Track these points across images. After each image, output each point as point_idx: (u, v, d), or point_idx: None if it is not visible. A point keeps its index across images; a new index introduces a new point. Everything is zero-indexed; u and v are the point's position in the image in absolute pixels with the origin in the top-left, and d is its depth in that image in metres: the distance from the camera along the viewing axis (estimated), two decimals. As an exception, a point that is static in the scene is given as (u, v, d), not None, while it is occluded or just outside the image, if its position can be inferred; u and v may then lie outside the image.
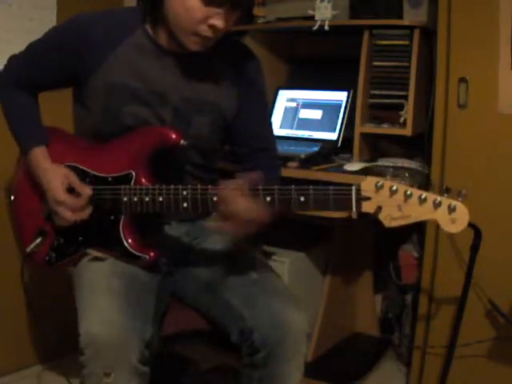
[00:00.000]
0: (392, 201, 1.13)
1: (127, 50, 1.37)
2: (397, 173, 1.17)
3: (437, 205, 1.11)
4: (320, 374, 2.07)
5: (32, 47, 1.46)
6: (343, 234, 2.22)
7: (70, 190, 1.38)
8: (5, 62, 1.51)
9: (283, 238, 2.27)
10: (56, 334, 2.10)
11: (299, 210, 1.22)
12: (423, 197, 1.12)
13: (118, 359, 1.21)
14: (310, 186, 1.20)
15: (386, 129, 1.99)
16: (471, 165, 1.84)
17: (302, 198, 1.20)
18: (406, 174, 1.16)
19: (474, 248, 1.71)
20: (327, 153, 2.07)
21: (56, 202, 1.38)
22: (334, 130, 2.19)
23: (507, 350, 1.85)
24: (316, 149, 2.07)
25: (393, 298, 2.32)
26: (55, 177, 1.39)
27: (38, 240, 1.45)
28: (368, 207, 1.16)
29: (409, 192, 1.12)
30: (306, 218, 1.98)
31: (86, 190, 1.37)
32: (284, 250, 2.21)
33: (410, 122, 1.93)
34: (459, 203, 1.11)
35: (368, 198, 1.15)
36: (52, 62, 1.41)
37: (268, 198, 1.22)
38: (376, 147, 2.13)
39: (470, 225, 1.69)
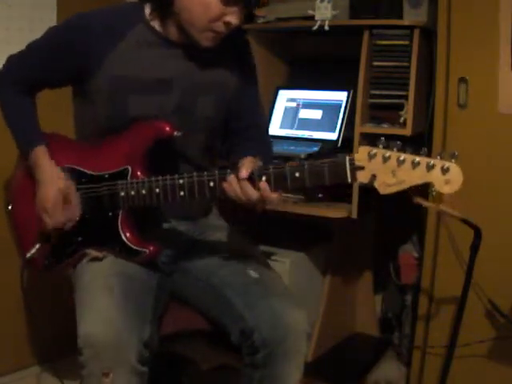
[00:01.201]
0: (385, 168, 1.14)
1: (129, 44, 1.37)
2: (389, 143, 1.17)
3: (430, 167, 1.12)
4: (320, 373, 2.07)
5: (32, 47, 1.46)
6: (343, 234, 2.21)
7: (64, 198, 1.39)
8: (4, 62, 1.51)
9: (283, 237, 2.27)
10: (55, 335, 2.10)
11: (295, 186, 1.22)
12: (416, 161, 1.12)
13: (116, 359, 1.21)
14: (305, 162, 1.21)
15: (386, 129, 1.98)
16: (471, 165, 1.83)
17: (297, 174, 1.21)
18: (398, 142, 1.16)
19: (474, 248, 1.71)
20: (327, 153, 2.07)
21: (42, 208, 1.40)
22: (333, 130, 2.19)
23: (507, 350, 1.85)
24: (316, 149, 2.08)
25: (393, 298, 2.31)
26: (52, 181, 1.40)
27: (38, 245, 1.45)
28: (362, 177, 1.17)
29: (402, 158, 1.13)
30: (306, 217, 1.99)
31: (76, 212, 1.39)
32: (284, 250, 2.21)
33: (410, 122, 1.92)
34: (452, 164, 1.12)
35: (362, 168, 1.16)
36: (54, 61, 1.41)
37: (264, 178, 1.23)
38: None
39: (470, 225, 1.71)
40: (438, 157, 1.13)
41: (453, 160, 1.13)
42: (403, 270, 2.20)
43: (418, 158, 1.12)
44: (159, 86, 1.40)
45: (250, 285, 1.39)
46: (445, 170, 1.12)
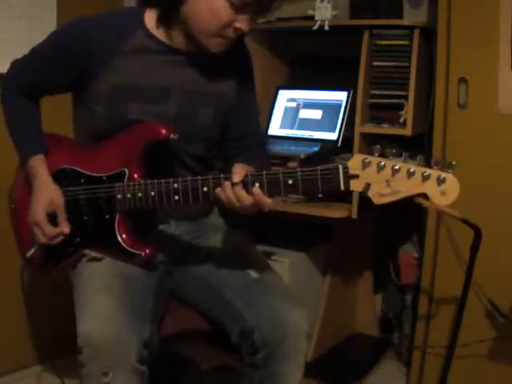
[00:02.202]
0: (380, 177, 1.11)
1: (129, 51, 1.37)
2: (385, 150, 1.15)
3: (425, 177, 1.08)
4: (320, 374, 2.07)
5: (35, 51, 1.46)
6: (343, 234, 2.22)
7: (53, 215, 1.40)
8: (5, 62, 1.51)
9: (283, 238, 2.27)
10: (55, 334, 2.10)
11: (289, 193, 1.21)
12: (411, 170, 1.09)
13: (116, 359, 1.21)
14: (298, 168, 1.20)
15: (386, 129, 1.98)
16: (471, 165, 1.84)
17: (291, 181, 1.20)
18: (394, 151, 1.12)
19: (474, 248, 1.71)
20: (327, 153, 2.07)
21: (32, 220, 1.41)
22: (334, 130, 2.19)
23: (507, 350, 1.85)
24: (316, 149, 2.08)
25: (393, 298, 2.32)
26: (44, 196, 1.41)
27: (37, 245, 1.45)
28: (356, 185, 1.14)
29: (397, 167, 1.09)
30: (306, 217, 1.99)
31: (64, 228, 1.40)
32: (284, 249, 2.21)
33: (409, 122, 1.93)
34: (449, 174, 1.08)
35: (356, 176, 1.13)
36: (54, 66, 1.41)
37: (257, 184, 1.22)
38: (376, 147, 2.13)
39: (470, 225, 1.71)
40: (435, 166, 1.09)
41: (449, 170, 1.09)
42: (403, 270, 2.20)
43: (413, 168, 1.09)
44: (158, 94, 1.39)
45: (249, 285, 1.39)
46: (440, 181, 1.08)
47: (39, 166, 1.44)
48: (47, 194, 1.41)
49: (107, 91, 1.38)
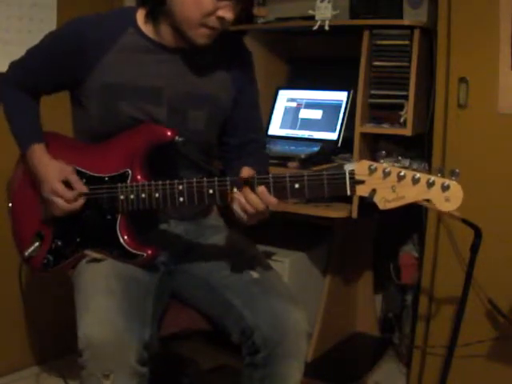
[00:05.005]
0: (385, 183, 1.14)
1: (120, 49, 1.37)
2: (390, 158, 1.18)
3: (430, 184, 1.12)
4: (320, 374, 2.07)
5: (30, 52, 1.48)
6: (343, 233, 2.22)
7: (67, 184, 1.39)
8: (5, 62, 1.52)
9: (283, 238, 2.27)
10: (54, 335, 2.10)
11: (295, 197, 1.22)
12: (417, 177, 1.12)
13: (116, 361, 1.21)
14: (305, 172, 1.21)
15: (386, 129, 1.98)
16: (471, 165, 1.84)
17: (297, 185, 1.21)
18: (399, 157, 1.16)
19: (474, 248, 1.71)
20: (327, 153, 2.07)
21: (50, 191, 1.39)
22: (334, 130, 2.19)
23: (507, 350, 1.85)
24: (316, 149, 2.08)
25: (393, 298, 2.32)
26: (53, 169, 1.41)
27: (36, 244, 1.45)
28: (362, 190, 1.16)
29: (402, 173, 1.13)
30: (306, 217, 1.99)
31: (81, 187, 1.38)
32: (284, 249, 2.21)
33: (410, 122, 1.93)
34: (453, 182, 1.12)
35: (362, 182, 1.16)
36: (49, 67, 1.42)
37: (263, 186, 1.22)
38: (376, 147, 2.13)
39: (470, 225, 1.71)
40: (439, 174, 1.12)
41: (453, 178, 1.12)
42: (403, 270, 2.20)
43: (418, 175, 1.12)
44: (148, 93, 1.39)
45: (250, 285, 1.39)
46: (445, 188, 1.11)
47: (41, 153, 1.44)
48: (55, 166, 1.41)
49: (97, 90, 1.38)
